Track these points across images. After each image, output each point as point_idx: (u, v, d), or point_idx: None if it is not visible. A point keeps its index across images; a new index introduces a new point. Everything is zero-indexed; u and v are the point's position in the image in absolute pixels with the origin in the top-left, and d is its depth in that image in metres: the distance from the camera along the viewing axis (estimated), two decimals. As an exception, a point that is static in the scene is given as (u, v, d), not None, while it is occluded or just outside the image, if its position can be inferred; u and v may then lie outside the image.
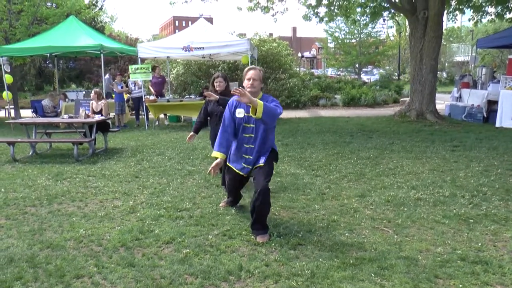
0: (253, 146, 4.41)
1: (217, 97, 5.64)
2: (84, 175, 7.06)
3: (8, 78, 13.66)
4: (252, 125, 4.39)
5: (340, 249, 4.01)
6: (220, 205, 5.27)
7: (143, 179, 6.75)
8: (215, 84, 5.85)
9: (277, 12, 16.64)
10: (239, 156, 4.52)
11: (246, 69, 4.40)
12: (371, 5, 16.37)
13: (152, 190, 6.11)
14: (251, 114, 4.04)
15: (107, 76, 15.66)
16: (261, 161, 4.39)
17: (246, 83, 4.28)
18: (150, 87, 14.23)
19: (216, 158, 4.42)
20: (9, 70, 14.00)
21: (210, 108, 5.94)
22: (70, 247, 4.15)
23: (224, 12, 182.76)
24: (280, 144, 9.47)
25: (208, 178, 6.56)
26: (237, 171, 4.59)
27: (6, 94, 13.68)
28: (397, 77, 32.17)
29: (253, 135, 4.40)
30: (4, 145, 9.54)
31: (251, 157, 4.45)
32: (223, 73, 6.04)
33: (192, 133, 5.88)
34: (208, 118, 6.14)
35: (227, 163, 4.69)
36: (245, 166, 4.51)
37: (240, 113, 4.39)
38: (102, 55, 13.12)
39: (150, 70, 13.12)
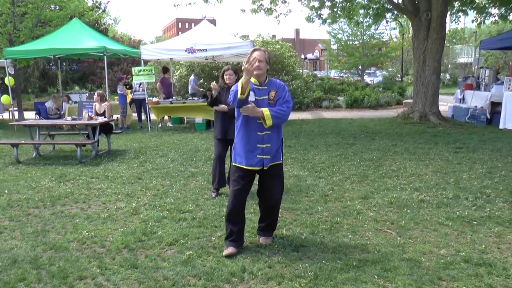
0: (269, 132, 3.96)
1: (226, 108, 5.61)
2: (87, 176, 7.08)
3: (10, 81, 13.70)
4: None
5: (343, 251, 4.00)
6: (225, 254, 3.99)
7: (146, 181, 6.75)
8: (225, 77, 5.71)
9: (280, 14, 16.69)
10: (252, 147, 3.96)
11: (250, 50, 4.03)
12: (374, 6, 16.38)
13: (155, 192, 6.11)
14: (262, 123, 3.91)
15: (192, 77, 15.79)
16: (280, 158, 4.14)
17: None
18: (159, 89, 14.23)
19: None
20: (13, 72, 14.06)
21: (223, 100, 5.73)
22: (73, 249, 4.16)
23: (227, 14, 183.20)
24: (283, 145, 9.46)
25: (211, 180, 6.52)
26: (250, 168, 3.98)
27: (10, 98, 13.76)
28: (400, 79, 32.12)
29: None
30: (7, 147, 9.57)
31: (269, 145, 3.98)
32: (233, 66, 5.89)
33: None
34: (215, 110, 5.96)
35: (233, 163, 4.12)
36: (263, 157, 3.96)
37: (251, 96, 3.94)
38: (105, 57, 13.15)
39: (153, 72, 13.14)
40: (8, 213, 5.26)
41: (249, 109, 3.83)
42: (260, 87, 4.02)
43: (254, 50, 4.01)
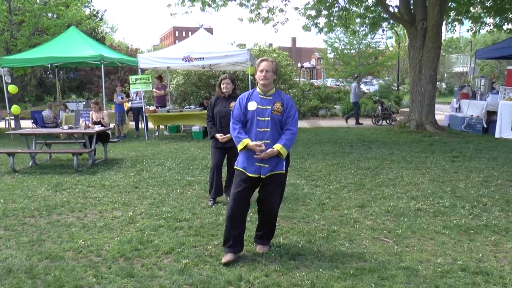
0: (269, 142, 3.99)
1: (229, 136, 5.45)
2: (83, 185, 7.06)
3: (12, 89, 13.67)
4: (267, 118, 4.01)
5: (340, 260, 3.99)
6: (223, 261, 3.99)
7: (142, 190, 6.74)
8: (222, 86, 5.70)
9: (278, 22, 16.79)
10: (251, 154, 4.00)
11: (258, 60, 4.14)
12: (370, 15, 16.51)
13: (152, 201, 6.10)
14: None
15: (354, 84, 16.38)
16: (283, 168, 4.11)
17: (258, 74, 4.06)
18: (155, 97, 14.26)
19: (246, 145, 4.01)
20: (10, 81, 14.04)
21: (217, 110, 5.75)
22: (69, 258, 4.14)
23: (224, 23, 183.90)
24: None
25: (208, 189, 6.52)
26: (249, 175, 4.02)
27: (7, 106, 13.76)
28: (396, 88, 32.26)
29: (268, 129, 4.00)
30: (4, 156, 9.54)
31: None
32: (230, 75, 5.83)
33: (218, 135, 5.72)
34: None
35: (235, 167, 4.17)
36: (261, 165, 4.00)
37: (252, 105, 4.05)
38: (102, 65, 13.17)
39: (150, 81, 13.15)
40: (4, 223, 5.23)
41: (265, 156, 3.94)
42: (265, 97, 4.08)
43: (261, 61, 4.12)
